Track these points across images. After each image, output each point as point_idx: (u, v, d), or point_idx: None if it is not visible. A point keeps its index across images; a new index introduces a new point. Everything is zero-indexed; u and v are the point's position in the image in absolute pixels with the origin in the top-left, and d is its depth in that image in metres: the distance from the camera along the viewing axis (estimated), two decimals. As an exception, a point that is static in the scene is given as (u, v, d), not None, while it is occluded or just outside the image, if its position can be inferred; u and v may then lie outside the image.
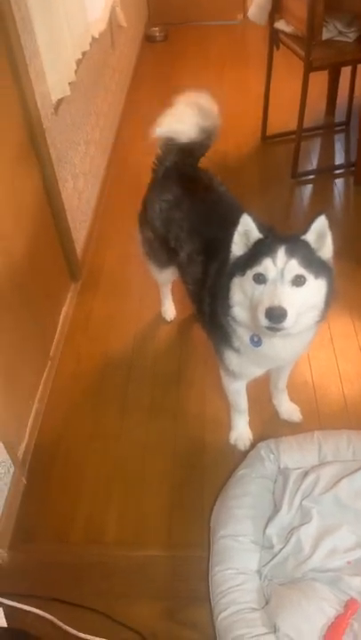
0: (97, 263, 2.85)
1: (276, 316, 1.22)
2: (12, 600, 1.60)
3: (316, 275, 1.29)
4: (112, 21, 3.73)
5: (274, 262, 1.26)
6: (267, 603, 1.47)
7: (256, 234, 1.35)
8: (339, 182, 3.29)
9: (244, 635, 1.39)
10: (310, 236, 1.32)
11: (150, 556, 1.70)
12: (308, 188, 3.30)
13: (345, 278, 2.55)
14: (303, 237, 1.32)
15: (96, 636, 1.52)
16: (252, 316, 1.32)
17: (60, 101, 2.48)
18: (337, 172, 3.38)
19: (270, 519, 1.62)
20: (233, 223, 1.39)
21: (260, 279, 1.29)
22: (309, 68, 2.83)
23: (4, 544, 1.73)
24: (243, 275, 1.33)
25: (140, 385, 2.23)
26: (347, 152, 3.57)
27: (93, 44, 3.02)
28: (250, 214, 1.35)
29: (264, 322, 1.25)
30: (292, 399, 2.08)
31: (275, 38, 3.20)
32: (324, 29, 2.76)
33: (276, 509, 1.63)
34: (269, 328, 1.26)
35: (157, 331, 2.44)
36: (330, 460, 1.69)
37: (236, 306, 1.38)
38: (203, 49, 5.26)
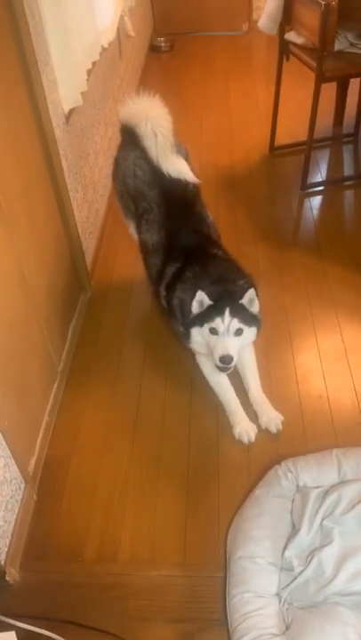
0: (106, 274, 2.82)
1: (226, 360, 1.83)
2: (25, 622, 1.55)
3: (250, 325, 1.89)
4: (120, 31, 3.72)
5: (223, 321, 1.84)
6: (287, 628, 1.43)
7: (208, 301, 1.87)
8: (348, 194, 3.27)
9: (265, 661, 1.35)
10: (245, 301, 1.88)
11: (166, 575, 1.65)
12: (318, 200, 3.27)
13: (358, 292, 2.53)
14: (241, 302, 1.87)
15: (110, 659, 1.49)
16: (207, 352, 1.94)
17: (71, 111, 2.46)
18: (346, 183, 3.36)
19: (289, 540, 1.58)
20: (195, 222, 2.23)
21: (213, 331, 1.87)
22: (321, 78, 2.82)
23: (15, 563, 1.68)
24: (201, 326, 1.90)
25: (151, 397, 2.19)
26: (356, 163, 3.56)
27: (103, 54, 3.01)
28: (202, 290, 1.87)
29: (218, 364, 1.85)
30: (306, 413, 2.06)
31: (285, 49, 3.19)
32: (335, 41, 2.74)
33: (296, 530, 1.59)
34: (221, 368, 1.88)
35: (170, 337, 2.40)
36: (350, 479, 1.66)
37: (195, 344, 1.99)
38: (208, 59, 5.26)
